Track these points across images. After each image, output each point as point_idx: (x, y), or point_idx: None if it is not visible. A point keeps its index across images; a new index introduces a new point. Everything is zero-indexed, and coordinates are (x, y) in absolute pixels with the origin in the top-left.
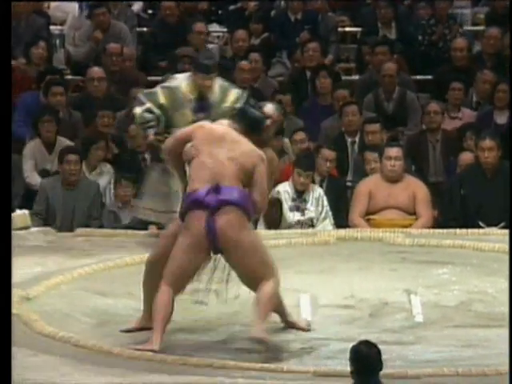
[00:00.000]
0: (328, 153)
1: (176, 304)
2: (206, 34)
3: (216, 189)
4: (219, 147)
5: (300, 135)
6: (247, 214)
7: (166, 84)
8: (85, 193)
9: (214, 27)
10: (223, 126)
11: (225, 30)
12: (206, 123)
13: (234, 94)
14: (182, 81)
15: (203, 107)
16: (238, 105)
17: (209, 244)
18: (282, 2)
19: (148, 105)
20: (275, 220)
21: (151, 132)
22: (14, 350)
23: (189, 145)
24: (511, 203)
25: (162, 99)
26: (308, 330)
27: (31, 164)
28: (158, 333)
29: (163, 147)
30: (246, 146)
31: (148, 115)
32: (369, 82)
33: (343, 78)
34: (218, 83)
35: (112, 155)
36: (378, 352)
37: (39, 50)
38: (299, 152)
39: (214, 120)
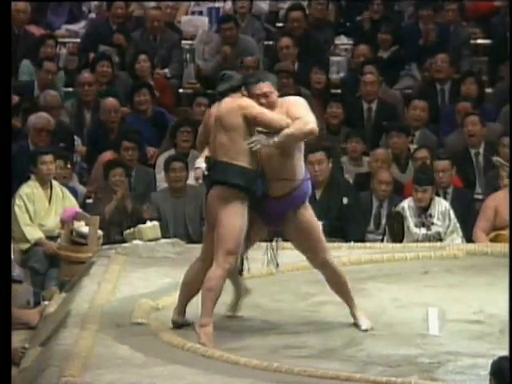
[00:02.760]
0: (442, 164)
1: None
2: (334, 45)
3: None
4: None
5: (422, 153)
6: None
7: None
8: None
9: (342, 39)
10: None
11: (351, 42)
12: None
13: None
14: None
15: None
16: None
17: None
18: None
19: None
20: (398, 234)
21: None
22: (143, 359)
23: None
24: (511, 205)
25: None
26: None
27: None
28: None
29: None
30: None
31: None
32: (504, 95)
33: None
34: None
35: None
36: None
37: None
38: (416, 167)
39: None
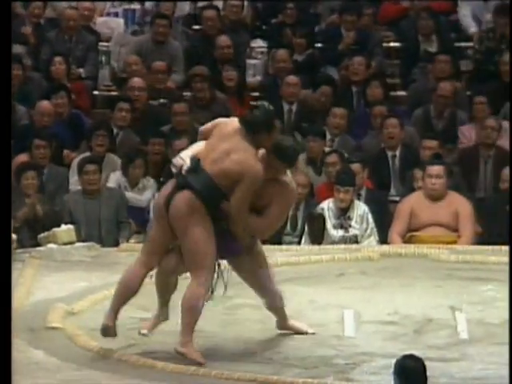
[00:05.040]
0: (353, 167)
1: (208, 313)
2: (250, 48)
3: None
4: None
5: (333, 157)
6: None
7: None
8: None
9: (258, 42)
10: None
11: (267, 45)
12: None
13: None
14: None
15: None
16: None
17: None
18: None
19: None
20: (318, 236)
21: None
22: (58, 363)
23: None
24: (511, 205)
25: None
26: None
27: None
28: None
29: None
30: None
31: None
32: (417, 97)
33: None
34: None
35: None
36: (423, 366)
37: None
38: (339, 169)
39: None
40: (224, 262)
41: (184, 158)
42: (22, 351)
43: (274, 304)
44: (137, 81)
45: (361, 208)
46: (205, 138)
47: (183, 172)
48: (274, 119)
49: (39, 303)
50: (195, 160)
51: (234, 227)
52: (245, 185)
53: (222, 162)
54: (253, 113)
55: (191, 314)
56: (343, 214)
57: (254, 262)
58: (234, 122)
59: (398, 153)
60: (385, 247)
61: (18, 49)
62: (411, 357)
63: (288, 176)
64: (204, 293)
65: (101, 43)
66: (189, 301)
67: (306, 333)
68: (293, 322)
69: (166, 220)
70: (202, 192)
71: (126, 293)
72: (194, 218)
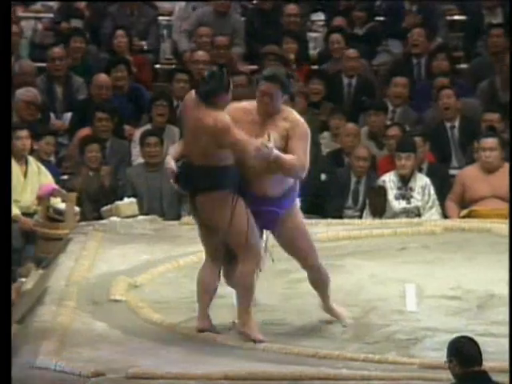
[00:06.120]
0: (417, 139)
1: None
2: (310, 21)
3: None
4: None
5: (394, 130)
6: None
7: None
8: None
9: (318, 16)
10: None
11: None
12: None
13: None
14: None
15: None
16: None
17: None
18: None
19: None
20: (380, 208)
21: None
22: (121, 336)
23: None
24: (511, 201)
25: None
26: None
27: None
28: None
29: None
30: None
31: None
32: (480, 70)
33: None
34: None
35: None
36: (477, 346)
37: None
38: (399, 139)
39: None
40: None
41: (169, 166)
42: (86, 323)
43: (313, 279)
44: (201, 54)
45: (422, 179)
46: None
47: (181, 179)
48: (226, 78)
49: (102, 276)
50: (183, 162)
51: (268, 169)
52: (223, 136)
53: (198, 143)
54: (205, 81)
55: (246, 291)
56: (405, 184)
57: (290, 233)
58: (189, 98)
59: (456, 124)
60: (447, 221)
61: (76, 23)
62: (464, 337)
63: (294, 111)
64: (255, 269)
65: (162, 17)
66: (241, 279)
67: (343, 324)
68: (334, 306)
69: (202, 223)
70: (210, 187)
71: (209, 292)
72: (220, 210)
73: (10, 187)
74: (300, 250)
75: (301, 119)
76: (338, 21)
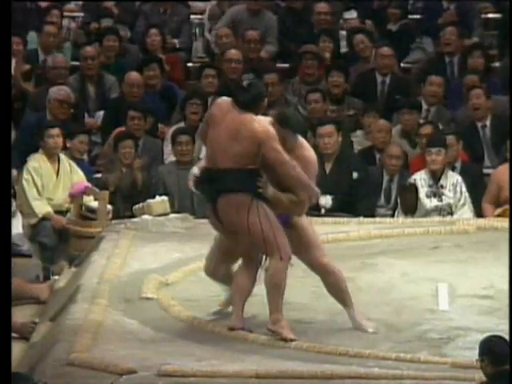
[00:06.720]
0: (447, 139)
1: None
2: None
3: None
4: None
5: (427, 129)
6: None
7: None
8: None
9: (351, 14)
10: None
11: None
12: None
13: None
14: None
15: None
16: None
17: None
18: None
19: None
20: (411, 206)
21: None
22: (152, 334)
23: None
24: (511, 201)
25: None
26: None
27: None
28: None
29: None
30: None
31: None
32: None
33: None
34: None
35: None
36: (509, 345)
37: None
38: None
39: None
40: None
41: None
42: (117, 321)
43: (325, 283)
44: (234, 53)
45: (453, 177)
46: (205, 138)
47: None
48: (265, 93)
49: (134, 274)
50: (203, 170)
51: (296, 186)
52: (269, 145)
53: (232, 146)
54: (245, 89)
55: (276, 290)
56: (436, 182)
57: (298, 236)
58: (223, 103)
59: (488, 123)
60: (480, 221)
61: (106, 22)
62: (496, 336)
63: (304, 145)
64: (285, 267)
65: (194, 16)
66: (272, 278)
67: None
68: (357, 318)
69: (225, 232)
70: (233, 188)
71: (246, 294)
72: (242, 213)
73: (10, 187)
74: (307, 257)
75: (311, 156)
76: (357, 22)
